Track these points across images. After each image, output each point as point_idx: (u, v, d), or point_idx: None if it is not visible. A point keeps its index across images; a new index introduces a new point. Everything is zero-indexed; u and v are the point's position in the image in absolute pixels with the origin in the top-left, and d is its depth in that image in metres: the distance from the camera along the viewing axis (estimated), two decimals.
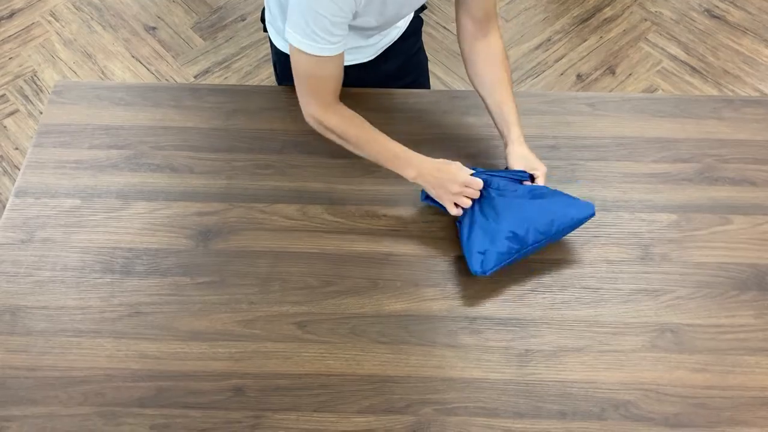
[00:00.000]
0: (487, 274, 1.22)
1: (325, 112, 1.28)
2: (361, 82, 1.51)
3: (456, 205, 1.26)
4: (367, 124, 1.30)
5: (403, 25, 1.50)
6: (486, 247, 1.22)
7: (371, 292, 1.26)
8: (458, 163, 1.27)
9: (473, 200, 1.26)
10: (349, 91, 1.51)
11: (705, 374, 1.17)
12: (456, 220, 1.31)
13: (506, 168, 1.31)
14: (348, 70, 1.35)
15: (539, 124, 1.47)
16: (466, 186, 1.25)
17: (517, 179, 1.28)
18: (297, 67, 1.23)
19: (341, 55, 1.23)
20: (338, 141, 1.31)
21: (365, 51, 1.47)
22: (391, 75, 1.55)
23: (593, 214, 1.27)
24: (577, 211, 1.26)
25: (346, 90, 1.50)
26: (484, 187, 1.26)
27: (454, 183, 1.25)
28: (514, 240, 1.22)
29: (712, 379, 1.17)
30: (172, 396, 1.16)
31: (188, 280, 1.27)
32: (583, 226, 1.32)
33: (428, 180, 1.26)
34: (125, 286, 1.27)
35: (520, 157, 1.29)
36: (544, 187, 1.28)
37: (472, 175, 1.26)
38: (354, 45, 1.40)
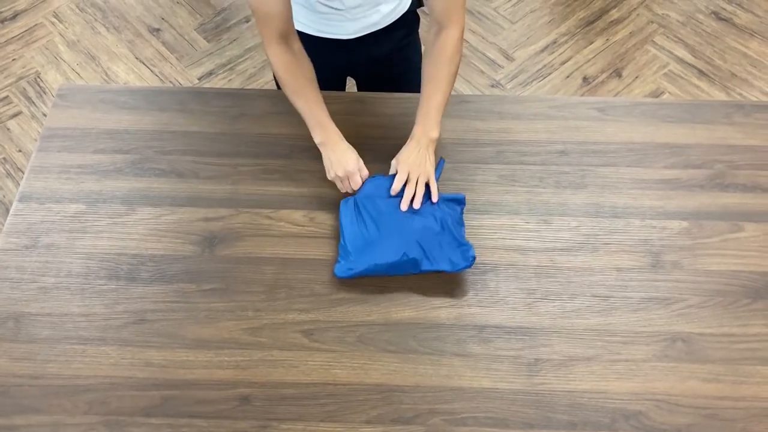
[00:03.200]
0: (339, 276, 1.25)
1: (269, 48, 1.31)
2: (348, 63, 1.54)
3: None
4: (303, 74, 1.33)
5: (385, 10, 1.46)
6: (352, 261, 1.24)
7: (378, 300, 1.24)
8: (356, 157, 1.32)
9: (360, 206, 1.29)
10: (355, 96, 1.50)
11: (717, 384, 1.16)
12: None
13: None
14: (331, 44, 1.45)
15: (548, 129, 1.45)
16: (347, 176, 1.31)
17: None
18: (247, 2, 1.28)
19: None
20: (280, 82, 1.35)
21: (345, 26, 1.44)
22: (379, 60, 1.54)
23: (468, 266, 1.25)
24: (450, 263, 1.25)
25: (351, 95, 1.50)
26: (371, 197, 1.30)
27: (338, 167, 1.31)
28: (379, 258, 1.24)
29: (724, 389, 1.15)
30: (178, 405, 1.14)
31: (194, 286, 1.26)
32: (593, 233, 1.31)
33: (326, 150, 1.33)
34: (130, 292, 1.26)
35: (401, 155, 1.32)
36: (440, 217, 1.28)
37: (368, 177, 1.33)
38: (327, 12, 1.41)
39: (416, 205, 1.29)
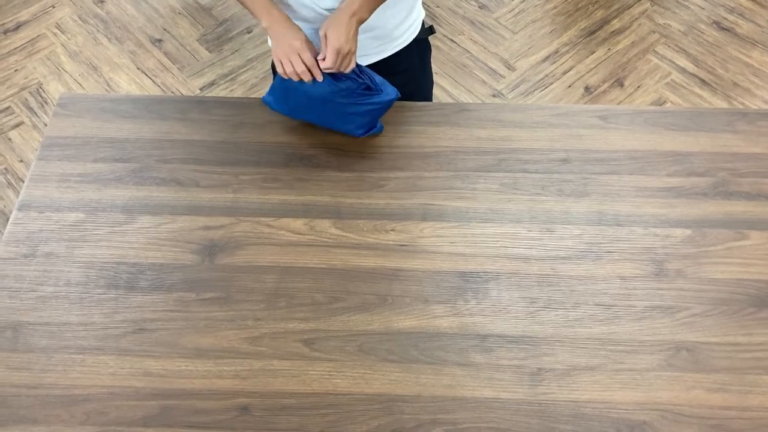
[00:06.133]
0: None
1: None
2: None
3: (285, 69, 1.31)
4: None
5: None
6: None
7: (380, 309, 1.23)
8: (304, 37, 1.31)
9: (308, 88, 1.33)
10: None
11: (723, 394, 1.14)
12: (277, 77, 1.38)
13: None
14: None
15: (550, 137, 1.44)
16: (298, 54, 1.29)
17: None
18: None
19: None
20: None
21: None
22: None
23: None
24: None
25: None
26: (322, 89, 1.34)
27: (284, 44, 1.29)
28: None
29: (730, 399, 1.14)
30: (177, 415, 1.13)
31: (193, 295, 1.25)
32: (596, 241, 1.30)
33: (275, 32, 1.31)
34: (129, 301, 1.25)
35: (331, 33, 1.28)
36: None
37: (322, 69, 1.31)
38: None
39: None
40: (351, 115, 1.36)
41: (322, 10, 1.37)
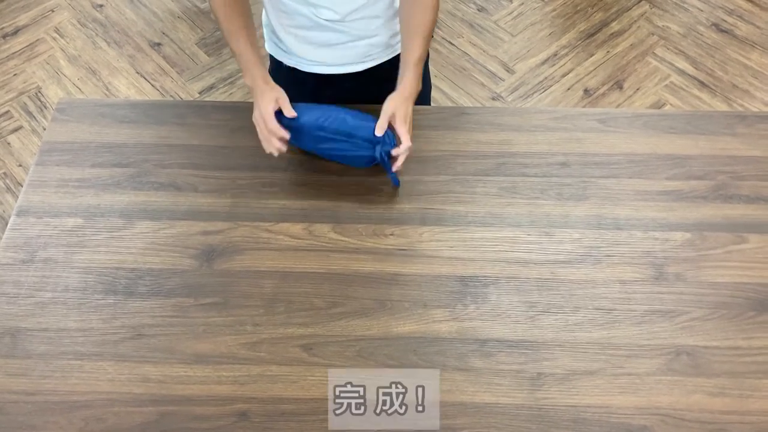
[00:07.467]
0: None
1: None
2: (354, 93, 1.50)
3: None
4: (240, 15, 1.36)
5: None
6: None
7: (379, 314, 1.23)
8: (266, 102, 1.30)
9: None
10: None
11: (723, 398, 1.14)
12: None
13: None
14: (337, 79, 1.47)
15: (549, 141, 1.44)
16: (270, 132, 1.30)
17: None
18: None
19: None
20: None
21: (343, 53, 1.45)
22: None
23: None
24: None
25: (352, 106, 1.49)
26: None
27: (258, 111, 1.31)
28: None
29: (731, 403, 1.13)
30: (175, 421, 1.13)
31: (192, 301, 1.25)
32: (595, 245, 1.30)
33: (253, 93, 1.34)
34: (128, 307, 1.24)
35: (388, 109, 1.29)
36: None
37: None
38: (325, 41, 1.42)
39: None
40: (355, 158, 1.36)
41: (320, 20, 1.37)
